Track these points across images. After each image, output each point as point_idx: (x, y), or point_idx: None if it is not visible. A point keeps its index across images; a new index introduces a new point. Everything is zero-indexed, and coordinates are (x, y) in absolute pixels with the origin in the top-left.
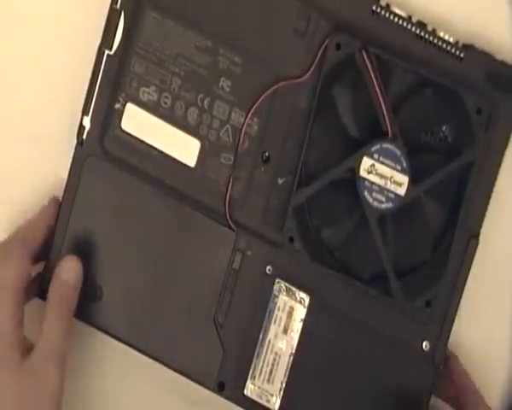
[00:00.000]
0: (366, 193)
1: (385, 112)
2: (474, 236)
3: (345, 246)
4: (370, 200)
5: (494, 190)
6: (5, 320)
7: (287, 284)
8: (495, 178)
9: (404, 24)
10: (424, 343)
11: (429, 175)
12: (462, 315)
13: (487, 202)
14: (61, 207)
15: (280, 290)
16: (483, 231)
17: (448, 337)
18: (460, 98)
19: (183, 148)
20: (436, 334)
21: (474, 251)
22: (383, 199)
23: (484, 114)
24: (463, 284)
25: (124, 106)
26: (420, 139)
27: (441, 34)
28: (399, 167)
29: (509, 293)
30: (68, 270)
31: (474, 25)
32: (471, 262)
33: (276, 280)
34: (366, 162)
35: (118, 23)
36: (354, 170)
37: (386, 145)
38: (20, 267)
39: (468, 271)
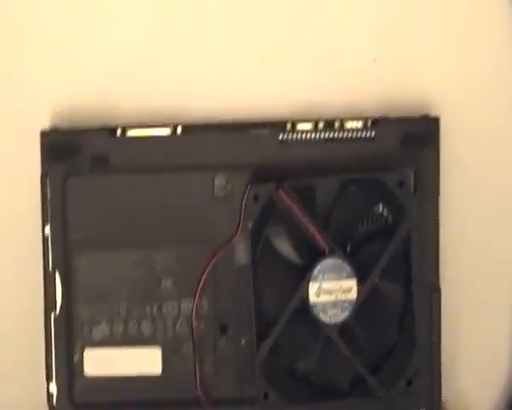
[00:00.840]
0: (321, 315)
1: (315, 233)
2: (435, 289)
3: (319, 370)
4: (327, 319)
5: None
6: None
7: None
8: (437, 226)
9: (312, 136)
10: None
11: (375, 264)
12: (462, 315)
13: (437, 251)
14: None
15: None
16: (483, 231)
17: (440, 394)
18: (381, 181)
19: (147, 361)
20: (429, 397)
21: (439, 304)
22: (339, 311)
23: (406, 184)
24: (438, 340)
25: (82, 354)
26: (358, 232)
27: (348, 125)
28: (344, 274)
29: (509, 293)
30: None
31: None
32: (439, 316)
33: None
34: (313, 287)
35: (55, 284)
36: (304, 300)
37: (326, 262)
38: None
39: (439, 324)
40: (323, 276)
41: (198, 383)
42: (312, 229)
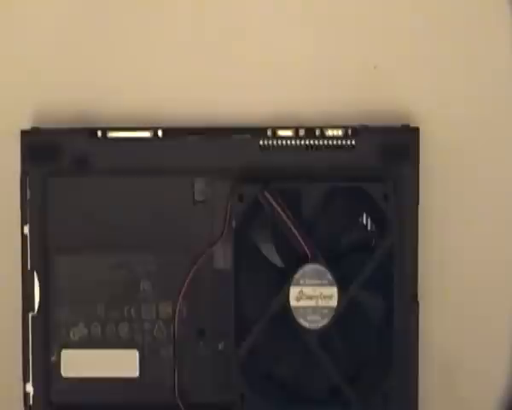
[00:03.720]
0: (301, 320)
1: (299, 238)
2: (414, 300)
3: (297, 376)
4: (307, 324)
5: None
6: None
7: None
8: (416, 236)
9: (293, 142)
10: None
11: (357, 274)
12: (462, 315)
13: (416, 262)
14: None
15: None
16: (485, 231)
17: (417, 406)
18: (365, 191)
19: (124, 363)
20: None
21: (418, 315)
22: (318, 318)
23: (390, 197)
24: (416, 354)
25: (59, 355)
26: (341, 241)
27: (329, 133)
28: (326, 281)
29: (508, 293)
30: None
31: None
32: (417, 328)
33: None
34: (294, 291)
35: (34, 284)
36: (285, 303)
37: (308, 267)
38: None
39: (417, 337)
40: (305, 281)
41: (176, 391)
42: (296, 233)
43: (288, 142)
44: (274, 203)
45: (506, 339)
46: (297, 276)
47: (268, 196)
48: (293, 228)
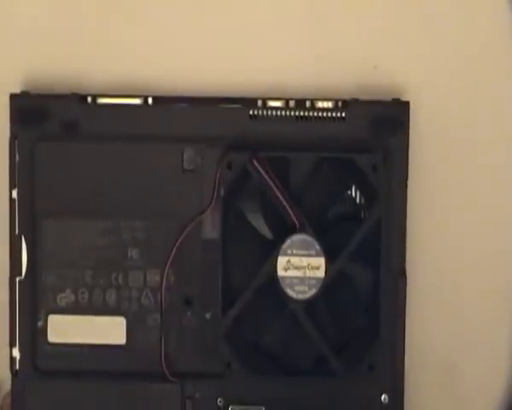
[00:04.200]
0: (288, 290)
1: (287, 207)
2: (401, 274)
3: (284, 345)
4: (294, 294)
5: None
6: None
7: (241, 407)
8: (405, 209)
9: (283, 113)
10: (383, 397)
11: (344, 245)
12: (462, 315)
13: (405, 235)
14: None
15: None
16: (485, 240)
17: (403, 380)
18: (354, 162)
19: (111, 330)
20: (391, 383)
21: (405, 288)
22: (306, 288)
23: (379, 168)
24: (402, 326)
25: (46, 320)
26: (329, 213)
27: (319, 105)
28: (314, 252)
29: (508, 293)
30: None
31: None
32: (404, 301)
33: (230, 408)
34: (281, 261)
35: (21, 248)
36: (272, 273)
37: (296, 237)
38: None
39: (404, 310)
40: (292, 251)
41: (163, 358)
42: (284, 203)
43: (278, 112)
44: (262, 172)
45: (506, 339)
46: (285, 246)
47: (257, 164)
48: (281, 197)
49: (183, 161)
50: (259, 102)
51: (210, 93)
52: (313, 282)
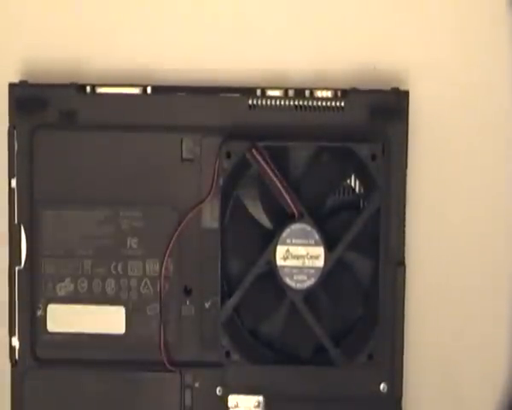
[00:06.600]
0: (287, 279)
1: (286, 196)
2: (400, 263)
3: (283, 335)
4: (293, 284)
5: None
6: None
7: (240, 396)
8: (404, 198)
9: (282, 102)
10: (382, 386)
11: (343, 234)
12: (462, 315)
13: (403, 224)
14: None
15: (236, 405)
16: (483, 230)
17: (402, 370)
18: (353, 152)
19: (111, 320)
20: (389, 371)
21: (404, 279)
22: (305, 278)
23: (378, 157)
24: (401, 315)
25: (45, 310)
26: (328, 202)
27: (318, 94)
28: (312, 241)
29: (508, 293)
30: None
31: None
32: (403, 291)
33: (229, 397)
34: (280, 251)
35: (20, 237)
36: (271, 262)
37: (295, 226)
38: None
39: (403, 300)
40: (291, 240)
41: (162, 348)
42: (283, 192)
43: (278, 102)
44: (261, 161)
45: (505, 337)
46: (284, 235)
47: (256, 153)
48: (280, 186)
49: (182, 150)
50: (258, 92)
51: (209, 82)
52: (312, 271)
